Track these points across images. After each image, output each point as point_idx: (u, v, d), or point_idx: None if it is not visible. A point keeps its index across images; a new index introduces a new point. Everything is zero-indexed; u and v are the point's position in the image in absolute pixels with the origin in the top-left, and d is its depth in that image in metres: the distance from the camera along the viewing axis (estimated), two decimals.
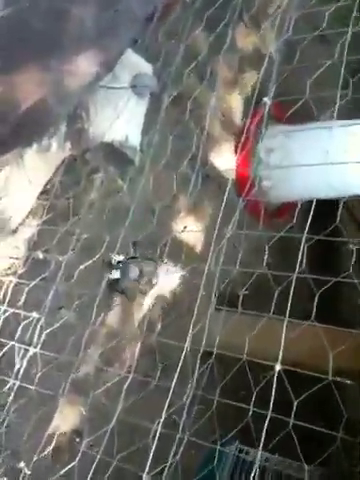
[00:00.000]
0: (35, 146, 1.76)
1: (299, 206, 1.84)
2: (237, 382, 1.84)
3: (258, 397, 1.49)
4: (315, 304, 1.47)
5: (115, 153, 1.87)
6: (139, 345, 1.88)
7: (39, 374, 1.76)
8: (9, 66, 1.23)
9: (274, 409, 1.36)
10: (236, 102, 3.10)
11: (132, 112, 1.85)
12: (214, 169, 2.96)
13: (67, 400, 2.13)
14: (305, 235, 1.47)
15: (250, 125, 2.81)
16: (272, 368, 1.38)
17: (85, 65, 1.48)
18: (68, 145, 1.84)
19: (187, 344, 1.64)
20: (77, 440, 2.19)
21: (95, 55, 1.50)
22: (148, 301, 2.42)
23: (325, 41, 3.36)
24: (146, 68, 1.91)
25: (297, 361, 1.69)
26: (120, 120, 1.81)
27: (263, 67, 1.80)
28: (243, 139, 3.03)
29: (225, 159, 3.02)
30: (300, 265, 1.42)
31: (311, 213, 1.53)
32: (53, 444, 1.93)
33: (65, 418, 2.15)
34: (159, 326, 2.40)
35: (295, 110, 2.15)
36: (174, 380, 1.47)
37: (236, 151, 3.11)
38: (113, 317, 2.38)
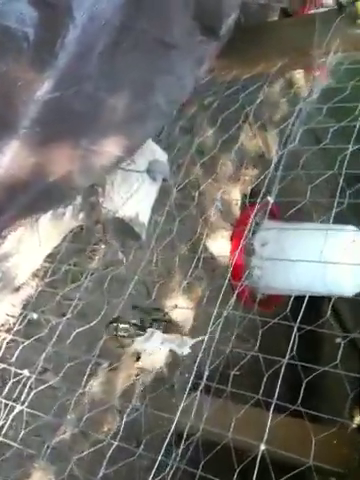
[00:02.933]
0: (50, 212, 1.90)
1: (291, 299, 1.96)
2: (221, 463, 1.85)
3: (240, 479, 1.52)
4: (302, 389, 1.54)
5: (124, 227, 2.00)
6: (123, 416, 1.90)
7: (23, 432, 1.77)
8: (48, 141, 1.37)
9: None
10: (236, 195, 3.31)
11: (145, 193, 2.00)
12: (210, 254, 3.10)
13: (40, 466, 2.11)
14: (297, 324, 1.57)
15: (248, 217, 2.99)
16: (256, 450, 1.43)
17: (111, 148, 1.64)
18: (81, 215, 1.98)
19: (173, 425, 1.66)
20: None
21: (121, 140, 1.66)
22: (134, 372, 2.45)
23: (326, 153, 3.65)
24: (161, 156, 2.08)
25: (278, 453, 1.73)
26: (133, 199, 1.96)
27: (269, 168, 1.96)
28: (240, 230, 3.23)
29: (221, 246, 3.17)
30: (291, 351, 1.50)
31: (304, 304, 1.63)
32: None
33: None
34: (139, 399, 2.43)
35: (289, 210, 2.32)
36: (162, 452, 1.50)
37: (231, 240, 3.28)
38: (97, 385, 2.40)
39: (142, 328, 2.13)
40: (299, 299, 1.96)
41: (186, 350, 1.90)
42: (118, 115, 1.57)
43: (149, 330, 2.02)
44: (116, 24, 1.32)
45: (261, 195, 1.88)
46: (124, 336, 2.13)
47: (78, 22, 1.21)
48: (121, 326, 2.15)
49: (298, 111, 1.99)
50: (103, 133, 1.58)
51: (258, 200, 1.92)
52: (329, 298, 3.82)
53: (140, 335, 2.11)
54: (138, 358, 2.14)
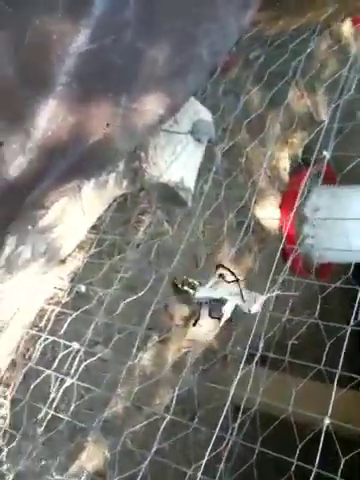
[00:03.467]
0: (93, 181, 1.83)
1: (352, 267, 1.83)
2: (279, 438, 1.77)
3: (301, 455, 1.43)
4: None
5: (170, 193, 1.91)
6: (176, 389, 1.84)
7: (73, 406, 1.73)
8: (86, 97, 1.29)
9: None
10: (284, 160, 3.16)
11: (189, 156, 1.90)
12: (258, 222, 2.98)
13: (93, 440, 2.09)
14: None
15: (299, 181, 2.84)
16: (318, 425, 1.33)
17: (153, 106, 1.54)
18: (124, 183, 1.90)
19: (228, 403, 1.58)
20: None
21: (163, 98, 1.56)
22: (185, 344, 2.39)
23: None
24: (206, 115, 1.97)
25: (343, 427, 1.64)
26: (177, 163, 1.86)
27: (323, 124, 1.82)
28: (290, 196, 3.09)
29: (270, 213, 3.04)
30: (356, 317, 1.39)
31: None
32: None
33: (90, 458, 2.09)
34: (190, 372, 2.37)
35: (344, 174, 2.17)
36: (218, 426, 1.42)
37: (281, 207, 3.14)
38: (147, 358, 2.35)
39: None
40: (357, 267, 1.84)
41: (255, 308, 1.75)
42: (159, 68, 1.47)
43: (213, 279, 1.89)
44: None
45: (316, 151, 1.74)
46: (188, 291, 2.05)
47: None
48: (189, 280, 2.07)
49: (353, 58, 1.83)
50: (144, 89, 1.48)
51: (313, 157, 1.78)
52: None
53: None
54: (195, 322, 2.04)
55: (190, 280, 2.06)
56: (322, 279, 3.31)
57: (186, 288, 2.04)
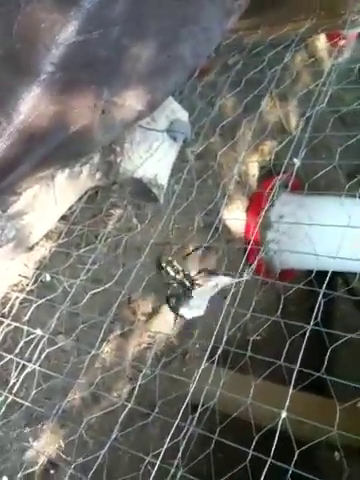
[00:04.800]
0: (67, 170, 1.85)
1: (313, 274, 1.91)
2: (237, 433, 1.83)
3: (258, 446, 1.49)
4: (327, 356, 1.50)
5: (142, 189, 1.94)
6: (133, 383, 1.88)
7: (33, 393, 1.74)
8: (70, 88, 1.31)
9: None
10: (253, 166, 3.24)
11: (164, 154, 1.94)
12: (225, 225, 3.05)
13: (50, 428, 2.10)
14: (323, 290, 1.52)
15: (265, 189, 2.92)
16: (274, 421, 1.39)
17: (132, 101, 1.57)
18: (98, 175, 1.92)
19: (189, 393, 1.62)
20: (52, 472, 2.13)
21: (143, 94, 1.60)
22: (146, 340, 2.43)
23: (344, 125, 3.56)
24: (182, 115, 2.02)
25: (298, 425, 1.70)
26: (152, 159, 1.89)
27: (294, 134, 1.89)
28: (257, 201, 3.17)
29: (237, 217, 3.11)
30: (315, 318, 1.46)
31: (329, 273, 1.59)
32: (27, 470, 1.90)
33: (45, 446, 2.10)
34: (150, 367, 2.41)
35: (310, 184, 2.25)
36: (178, 417, 1.46)
37: (247, 211, 3.21)
38: (108, 350, 2.38)
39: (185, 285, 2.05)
40: (316, 274, 1.92)
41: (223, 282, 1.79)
42: (141, 65, 1.50)
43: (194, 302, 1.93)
44: None
45: (287, 158, 1.81)
46: (168, 272, 2.07)
47: None
48: (172, 266, 2.09)
49: (328, 72, 1.91)
50: (125, 84, 1.52)
51: (284, 164, 1.84)
52: (342, 274, 3.78)
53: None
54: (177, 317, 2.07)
55: (175, 263, 2.09)
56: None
57: (168, 269, 2.07)
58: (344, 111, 2.09)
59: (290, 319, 1.74)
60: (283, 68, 2.23)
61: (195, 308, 1.91)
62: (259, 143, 3.18)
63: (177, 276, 2.02)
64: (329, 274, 1.74)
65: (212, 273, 1.95)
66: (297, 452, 1.43)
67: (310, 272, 2.04)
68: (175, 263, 2.09)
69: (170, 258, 2.11)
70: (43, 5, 1.17)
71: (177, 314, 1.93)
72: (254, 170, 3.24)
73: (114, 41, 1.33)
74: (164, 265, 2.11)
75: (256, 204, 3.17)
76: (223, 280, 1.82)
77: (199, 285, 1.91)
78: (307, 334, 1.47)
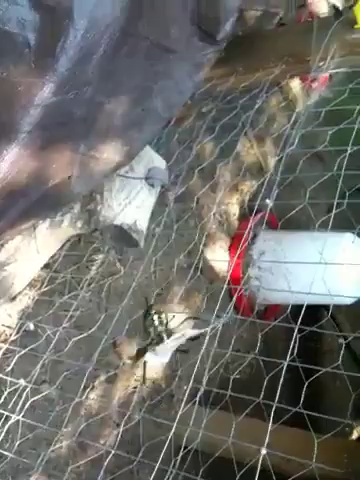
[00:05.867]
0: (48, 220, 1.88)
1: (289, 309, 1.94)
2: (219, 473, 1.82)
3: None
4: (304, 392, 1.52)
5: (123, 235, 1.98)
6: (121, 426, 1.87)
7: (18, 443, 1.73)
8: (48, 145, 1.36)
9: None
10: (234, 205, 3.31)
11: (143, 200, 1.99)
12: (208, 265, 3.09)
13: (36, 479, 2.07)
14: (298, 326, 1.55)
15: (245, 227, 2.98)
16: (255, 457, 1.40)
17: (110, 153, 1.63)
18: (79, 223, 1.96)
19: (171, 434, 1.63)
20: None
21: (119, 146, 1.66)
22: (132, 384, 2.42)
23: (321, 162, 3.67)
24: (160, 163, 2.07)
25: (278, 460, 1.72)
26: (131, 206, 1.94)
27: (267, 175, 1.96)
28: (238, 240, 3.22)
29: (219, 256, 3.16)
30: (291, 354, 1.49)
31: (303, 309, 1.62)
32: None
33: None
34: (137, 410, 2.40)
35: (288, 221, 2.31)
36: (159, 460, 1.47)
37: (229, 250, 3.26)
38: (93, 397, 2.36)
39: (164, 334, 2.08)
40: (298, 308, 1.95)
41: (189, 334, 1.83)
42: (116, 120, 1.57)
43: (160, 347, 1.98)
44: (116, 29, 1.31)
45: (259, 199, 1.87)
46: (156, 326, 2.09)
47: (79, 26, 1.20)
48: (155, 319, 2.11)
49: (297, 115, 1.99)
50: (102, 139, 1.57)
51: (256, 205, 1.91)
52: (327, 308, 3.82)
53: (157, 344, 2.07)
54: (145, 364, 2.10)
55: (162, 315, 2.12)
56: (269, 320, 3.43)
57: (155, 318, 2.10)
58: (316, 150, 2.16)
59: (278, 355, 1.76)
60: (259, 111, 2.31)
61: (161, 355, 1.95)
62: (238, 183, 3.26)
63: (159, 327, 2.06)
64: (303, 309, 1.76)
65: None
66: None
67: (296, 307, 2.07)
68: (163, 315, 2.12)
69: (161, 309, 2.14)
70: (20, 69, 1.22)
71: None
72: (234, 210, 3.30)
73: (88, 99, 1.38)
74: (152, 312, 2.14)
75: (237, 242, 3.23)
76: (189, 332, 1.88)
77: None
78: (284, 370, 1.49)
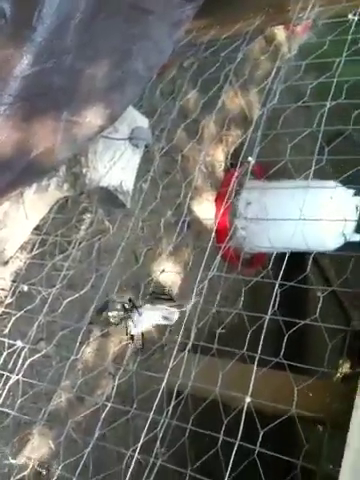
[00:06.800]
0: (35, 185, 1.89)
1: (273, 256, 2.00)
2: (210, 418, 1.93)
3: (227, 431, 1.60)
4: (284, 344, 1.60)
5: (109, 196, 2.00)
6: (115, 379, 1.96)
7: (19, 400, 1.82)
8: (30, 115, 1.36)
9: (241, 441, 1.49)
10: (219, 157, 3.31)
11: (128, 161, 2.00)
12: (195, 218, 3.12)
13: (38, 432, 2.18)
14: (278, 281, 1.61)
15: (231, 179, 3.00)
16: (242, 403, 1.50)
17: (92, 117, 1.63)
18: (65, 186, 1.97)
19: (163, 384, 1.72)
20: (44, 473, 2.22)
21: (102, 109, 1.65)
22: (125, 337, 2.51)
23: (306, 109, 3.64)
24: (143, 122, 2.07)
25: (263, 404, 1.82)
26: (116, 167, 1.95)
27: (250, 129, 1.97)
28: (224, 192, 3.24)
29: (205, 209, 3.19)
30: (272, 307, 1.55)
31: (285, 262, 1.67)
32: (19, 475, 1.97)
33: (35, 450, 2.18)
34: (131, 362, 2.50)
35: (272, 169, 2.33)
36: (152, 411, 1.56)
37: (216, 202, 3.29)
38: (89, 351, 2.45)
39: (133, 306, 2.17)
40: (282, 257, 2.00)
41: (174, 319, 1.94)
42: (97, 84, 1.56)
43: (136, 315, 2.05)
44: None
45: (242, 156, 1.89)
46: (114, 323, 2.18)
47: None
48: (110, 314, 2.19)
49: (277, 69, 1.97)
50: (84, 104, 1.57)
51: (239, 161, 1.93)
52: (311, 254, 3.90)
53: (130, 318, 2.16)
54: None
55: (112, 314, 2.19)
56: (255, 269, 3.51)
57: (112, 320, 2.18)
58: (296, 105, 2.16)
59: (265, 298, 1.82)
60: (242, 60, 2.28)
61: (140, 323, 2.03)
62: (223, 134, 3.24)
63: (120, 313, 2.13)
64: (285, 259, 1.81)
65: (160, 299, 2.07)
66: (261, 432, 1.54)
67: (281, 254, 2.11)
68: (110, 313, 2.19)
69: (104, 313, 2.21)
70: None
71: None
72: (220, 161, 3.30)
73: (68, 67, 1.37)
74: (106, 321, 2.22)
75: (223, 195, 3.25)
76: (170, 310, 1.96)
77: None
78: (265, 323, 1.57)
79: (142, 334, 2.57)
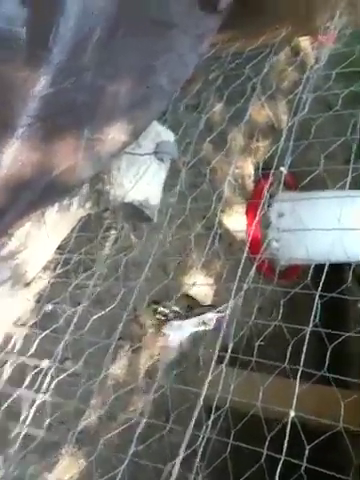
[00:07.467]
0: (57, 204, 1.88)
1: (311, 268, 1.93)
2: (251, 432, 1.87)
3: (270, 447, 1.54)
4: (328, 356, 1.53)
5: (135, 211, 1.97)
6: (150, 395, 1.91)
7: (47, 421, 1.79)
8: (50, 135, 1.34)
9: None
10: (248, 168, 3.25)
11: (153, 175, 1.97)
12: (225, 229, 3.07)
13: (68, 453, 2.15)
14: (319, 292, 1.56)
15: (263, 190, 2.94)
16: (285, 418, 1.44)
17: (116, 134, 1.60)
18: (88, 204, 1.95)
19: (201, 398, 1.67)
20: None
21: (125, 126, 1.62)
22: (156, 352, 2.47)
23: (336, 118, 3.55)
24: (168, 136, 2.04)
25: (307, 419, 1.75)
26: (142, 182, 1.92)
27: (280, 140, 1.92)
28: (255, 203, 3.18)
29: (236, 221, 3.14)
30: (314, 319, 1.49)
31: (324, 273, 1.62)
32: None
33: (66, 470, 2.16)
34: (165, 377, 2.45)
35: (304, 179, 2.27)
36: (192, 423, 1.51)
37: (247, 214, 3.23)
38: (119, 367, 2.42)
39: (180, 316, 2.13)
40: (320, 268, 1.93)
41: (210, 325, 1.88)
42: (120, 101, 1.53)
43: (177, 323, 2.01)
44: (111, 10, 1.27)
45: (274, 167, 1.84)
46: (160, 319, 2.14)
47: (70, 13, 1.16)
48: (160, 309, 2.15)
49: (306, 79, 1.92)
50: (106, 120, 1.55)
51: (271, 172, 1.88)
52: (350, 265, 3.79)
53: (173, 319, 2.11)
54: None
55: (162, 310, 2.15)
56: (290, 280, 3.43)
57: (158, 316, 2.13)
58: (327, 115, 2.11)
59: (304, 309, 1.75)
60: (268, 71, 2.24)
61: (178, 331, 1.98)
62: (252, 145, 3.19)
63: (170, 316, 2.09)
64: (325, 270, 1.75)
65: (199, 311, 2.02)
66: (308, 448, 1.47)
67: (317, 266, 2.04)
68: (160, 308, 2.14)
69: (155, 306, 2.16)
70: (14, 64, 1.20)
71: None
72: (249, 172, 3.25)
73: (89, 85, 1.35)
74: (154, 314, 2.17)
75: (254, 206, 3.19)
76: (207, 316, 1.91)
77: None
78: (307, 336, 1.51)
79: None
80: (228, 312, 1.73)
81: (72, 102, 1.35)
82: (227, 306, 1.78)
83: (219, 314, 1.87)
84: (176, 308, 2.15)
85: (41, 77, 1.21)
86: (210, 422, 1.70)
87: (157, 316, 2.18)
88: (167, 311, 2.15)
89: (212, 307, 2.21)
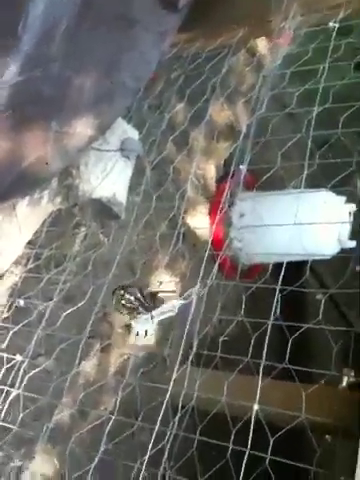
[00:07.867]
0: (27, 198, 1.91)
1: (271, 264, 2.01)
2: (216, 428, 1.92)
3: (235, 442, 1.59)
4: (289, 348, 1.59)
5: (103, 208, 2.02)
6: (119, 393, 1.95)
7: (21, 416, 1.80)
8: (19, 125, 1.38)
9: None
10: (210, 169, 3.34)
11: (120, 172, 2.02)
12: (189, 229, 3.14)
13: (42, 449, 2.16)
14: (279, 286, 1.62)
15: (223, 189, 3.03)
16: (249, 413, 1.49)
17: (82, 128, 1.65)
18: (58, 199, 1.99)
19: (167, 396, 1.71)
20: None
21: (91, 120, 1.68)
22: (125, 350, 2.50)
23: (292, 118, 3.69)
24: (133, 134, 2.10)
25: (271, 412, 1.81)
26: (109, 179, 1.97)
27: (239, 139, 2.00)
28: (217, 203, 3.27)
29: (200, 221, 3.21)
30: (274, 313, 1.56)
31: (283, 267, 1.68)
32: None
33: (39, 467, 2.16)
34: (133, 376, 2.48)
35: (265, 181, 2.36)
36: (158, 421, 1.55)
37: (209, 213, 3.32)
38: (90, 366, 2.44)
39: (143, 306, 2.16)
40: (280, 265, 2.01)
41: (175, 310, 1.93)
42: (86, 95, 1.59)
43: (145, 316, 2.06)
44: (77, 2, 1.33)
45: (233, 165, 1.91)
46: (126, 306, 2.17)
47: (38, 2, 1.21)
48: (126, 296, 2.19)
49: (262, 78, 2.02)
50: (73, 114, 1.59)
51: (231, 171, 1.95)
52: (308, 262, 3.91)
53: (140, 313, 2.16)
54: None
55: (128, 297, 2.19)
56: (251, 279, 3.52)
57: (124, 302, 2.17)
58: (284, 113, 2.21)
59: (266, 306, 1.82)
60: (227, 72, 2.33)
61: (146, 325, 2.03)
62: (212, 146, 3.29)
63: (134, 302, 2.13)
64: (284, 265, 1.82)
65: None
66: (272, 440, 1.52)
67: (278, 263, 2.11)
68: (127, 295, 2.19)
69: (122, 292, 2.20)
70: None
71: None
72: (211, 173, 3.34)
73: (56, 76, 1.40)
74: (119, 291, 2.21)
75: (216, 206, 3.28)
76: (167, 306, 1.97)
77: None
78: (269, 329, 1.56)
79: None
80: (193, 297, 1.79)
81: (40, 92, 1.40)
82: (191, 292, 1.84)
83: (184, 300, 1.92)
84: (140, 296, 2.19)
85: (11, 64, 1.26)
86: (177, 419, 1.74)
87: (122, 302, 2.21)
88: (132, 298, 2.18)
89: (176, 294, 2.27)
